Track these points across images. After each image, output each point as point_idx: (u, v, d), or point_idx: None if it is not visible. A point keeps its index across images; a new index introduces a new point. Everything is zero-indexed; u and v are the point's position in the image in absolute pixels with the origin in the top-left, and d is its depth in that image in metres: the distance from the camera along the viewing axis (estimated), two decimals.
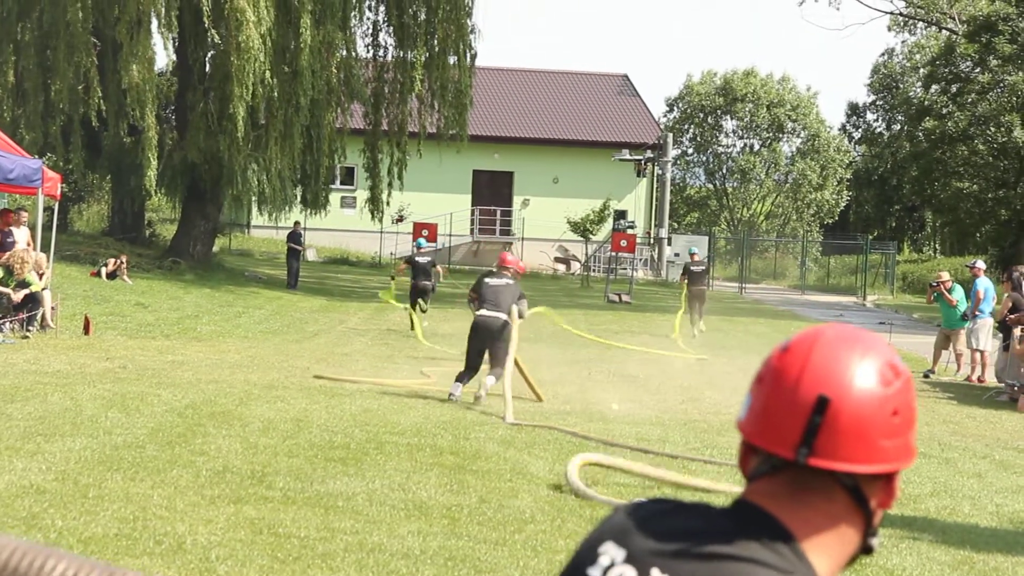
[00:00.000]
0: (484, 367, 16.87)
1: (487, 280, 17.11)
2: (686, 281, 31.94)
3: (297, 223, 40.84)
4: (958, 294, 24.94)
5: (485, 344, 16.71)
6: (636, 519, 2.10)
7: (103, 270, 32.13)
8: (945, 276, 25.39)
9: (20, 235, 23.69)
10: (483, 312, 16.77)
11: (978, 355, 23.94)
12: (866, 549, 2.14)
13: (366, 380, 18.14)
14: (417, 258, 29.47)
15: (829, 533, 2.09)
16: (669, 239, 59.78)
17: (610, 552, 2.08)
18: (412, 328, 26.33)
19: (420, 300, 28.35)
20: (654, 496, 2.24)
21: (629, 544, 2.07)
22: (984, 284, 24.20)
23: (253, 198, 38.14)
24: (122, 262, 32.66)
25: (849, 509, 2.10)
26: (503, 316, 16.64)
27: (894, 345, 26.47)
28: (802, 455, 2.05)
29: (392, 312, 30.17)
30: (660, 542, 2.05)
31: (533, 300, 23.66)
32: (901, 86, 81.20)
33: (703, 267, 33.63)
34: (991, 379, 23.04)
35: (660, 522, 2.08)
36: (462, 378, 16.76)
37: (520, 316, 16.84)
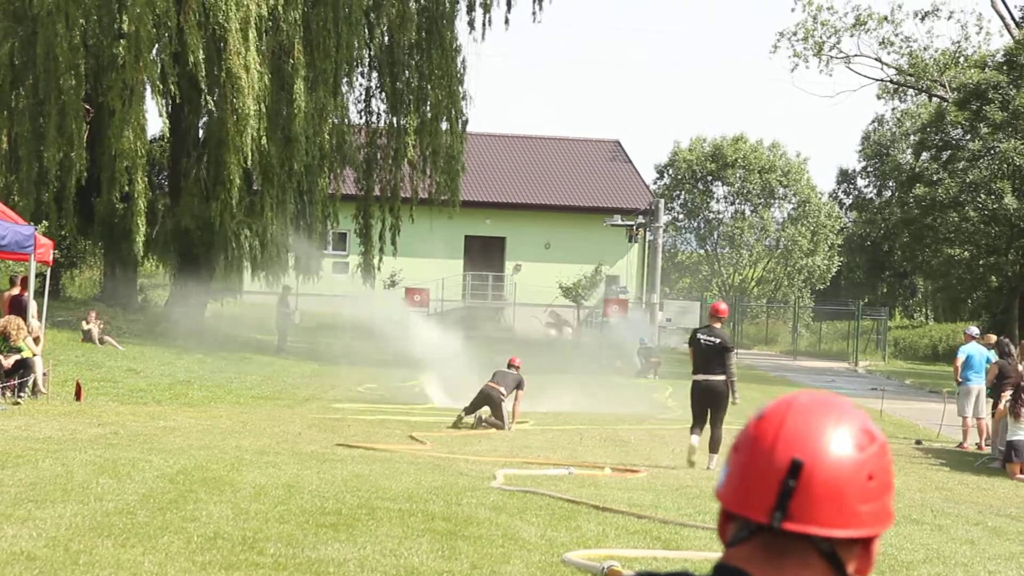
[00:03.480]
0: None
1: (700, 338, 17.99)
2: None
3: (287, 287, 40.88)
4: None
5: (707, 404, 18.02)
6: None
7: (92, 334, 32.11)
8: None
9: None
10: (698, 377, 18.01)
11: (970, 421, 23.87)
12: None
13: (393, 447, 18.35)
14: None
15: None
16: (661, 304, 59.81)
17: None
18: None
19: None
20: (638, 571, 2.27)
21: None
22: (968, 351, 24.05)
23: (246, 264, 38.16)
24: (95, 320, 32.62)
25: (826, 575, 2.11)
26: (717, 378, 17.81)
27: (887, 412, 26.55)
28: (776, 519, 2.06)
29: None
30: None
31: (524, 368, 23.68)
32: (891, 153, 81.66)
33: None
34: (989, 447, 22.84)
35: None
36: (694, 430, 18.08)
37: (732, 376, 18.09)
